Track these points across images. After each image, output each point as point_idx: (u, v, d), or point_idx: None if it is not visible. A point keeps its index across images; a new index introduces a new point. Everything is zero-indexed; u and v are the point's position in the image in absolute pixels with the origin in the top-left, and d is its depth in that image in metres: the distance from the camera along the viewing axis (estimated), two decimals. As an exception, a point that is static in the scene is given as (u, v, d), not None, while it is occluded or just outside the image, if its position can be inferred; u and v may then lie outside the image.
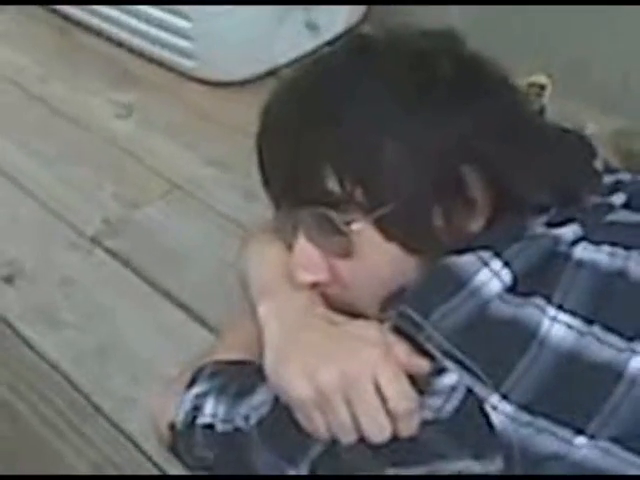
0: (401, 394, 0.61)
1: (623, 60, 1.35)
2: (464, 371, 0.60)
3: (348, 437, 0.63)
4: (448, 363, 0.60)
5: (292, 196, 0.70)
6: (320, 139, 0.67)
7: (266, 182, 0.73)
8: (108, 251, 1.16)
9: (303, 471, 0.69)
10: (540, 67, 1.29)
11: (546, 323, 0.60)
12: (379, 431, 0.61)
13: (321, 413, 0.62)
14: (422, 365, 0.61)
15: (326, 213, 0.67)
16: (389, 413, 0.61)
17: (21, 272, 1.12)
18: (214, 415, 0.74)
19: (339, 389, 0.61)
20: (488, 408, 0.59)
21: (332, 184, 0.67)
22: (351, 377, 0.61)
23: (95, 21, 1.67)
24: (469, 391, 0.60)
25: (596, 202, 0.69)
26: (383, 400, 0.61)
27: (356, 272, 0.70)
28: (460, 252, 0.63)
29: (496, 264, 0.61)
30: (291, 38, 1.52)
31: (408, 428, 0.62)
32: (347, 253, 0.69)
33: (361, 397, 0.61)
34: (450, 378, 0.61)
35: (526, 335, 0.60)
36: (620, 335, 0.60)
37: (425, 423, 0.62)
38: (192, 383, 0.79)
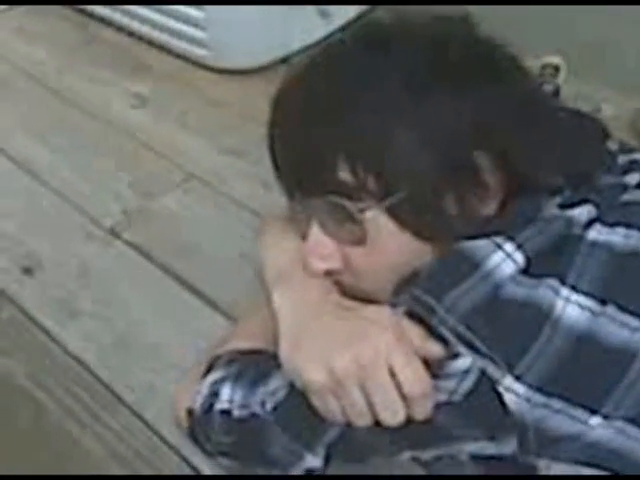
0: (415, 377, 0.61)
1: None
2: (477, 354, 0.60)
3: (363, 421, 0.63)
4: (461, 346, 0.60)
5: (305, 186, 0.71)
6: (331, 128, 0.67)
7: (278, 172, 0.73)
8: (126, 241, 1.17)
9: (319, 455, 0.70)
10: (557, 48, 1.28)
11: (560, 304, 0.59)
12: (393, 415, 0.62)
13: (336, 398, 0.63)
14: (436, 349, 0.62)
15: (339, 202, 0.67)
16: (403, 396, 0.61)
17: (40, 264, 1.14)
18: (231, 401, 0.75)
19: (353, 374, 0.62)
20: (502, 390, 0.59)
21: (344, 173, 0.67)
22: (365, 361, 0.62)
23: (108, 12, 1.67)
24: (483, 373, 0.60)
25: (610, 182, 0.68)
26: (397, 384, 0.61)
27: (369, 260, 0.70)
28: (473, 237, 0.63)
29: (509, 247, 0.61)
30: (303, 25, 1.52)
31: (422, 411, 0.62)
32: (360, 241, 0.69)
33: (375, 381, 0.61)
34: (464, 361, 0.61)
35: (540, 316, 0.59)
36: (634, 315, 0.59)
37: (439, 405, 0.62)
38: (209, 370, 0.80)
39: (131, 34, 1.65)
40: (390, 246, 0.69)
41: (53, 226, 1.21)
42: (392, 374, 0.61)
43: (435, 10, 0.74)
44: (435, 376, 0.62)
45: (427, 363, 0.62)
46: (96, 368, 0.98)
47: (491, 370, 0.60)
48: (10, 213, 1.23)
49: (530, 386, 0.59)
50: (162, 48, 1.60)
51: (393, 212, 0.67)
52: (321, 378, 0.63)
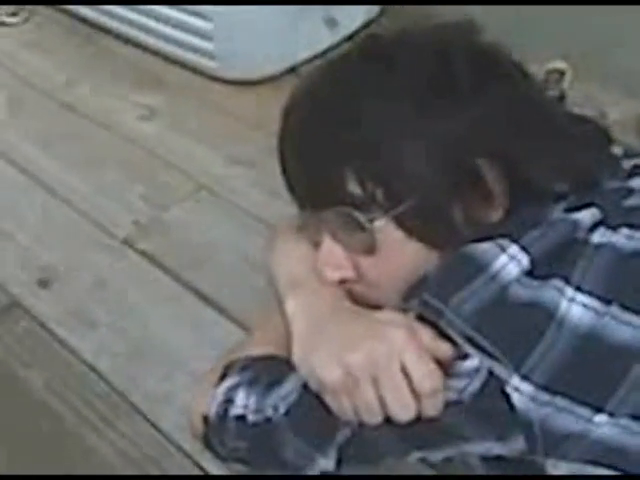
0: (426, 373, 0.62)
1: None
2: (484, 354, 0.61)
3: (374, 418, 0.64)
4: (469, 347, 0.62)
5: (315, 198, 0.72)
6: (339, 142, 0.69)
7: (289, 185, 0.75)
8: (139, 252, 1.19)
9: (331, 457, 0.71)
10: (563, 53, 1.29)
11: (564, 304, 0.60)
12: (404, 410, 0.63)
13: (349, 397, 0.64)
14: (445, 348, 0.63)
15: (349, 212, 0.69)
16: (414, 392, 0.63)
17: (55, 276, 1.15)
18: (246, 406, 0.76)
19: (366, 370, 0.63)
20: (509, 389, 0.60)
21: (353, 186, 0.68)
22: (378, 358, 0.63)
23: (117, 25, 1.69)
24: (490, 373, 0.61)
25: (614, 186, 0.69)
26: (409, 380, 0.63)
27: (380, 268, 0.72)
28: (478, 241, 0.64)
29: (514, 249, 0.62)
30: (310, 35, 1.53)
31: (433, 407, 0.63)
32: (371, 250, 0.70)
33: (387, 376, 0.63)
34: (472, 362, 0.62)
35: (545, 316, 0.60)
36: (638, 313, 0.60)
37: (449, 404, 0.63)
38: (223, 377, 0.81)
39: (141, 47, 1.67)
40: (399, 254, 0.70)
41: (67, 238, 1.23)
42: (404, 370, 0.63)
43: (440, 17, 0.75)
44: (445, 375, 0.63)
45: (439, 364, 0.63)
46: (112, 377, 1.00)
47: (498, 370, 0.61)
48: (24, 226, 1.25)
49: (536, 385, 0.60)
50: (172, 60, 1.62)
51: (401, 221, 0.68)
52: (337, 376, 0.64)
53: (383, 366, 0.63)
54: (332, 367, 0.64)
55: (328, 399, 0.66)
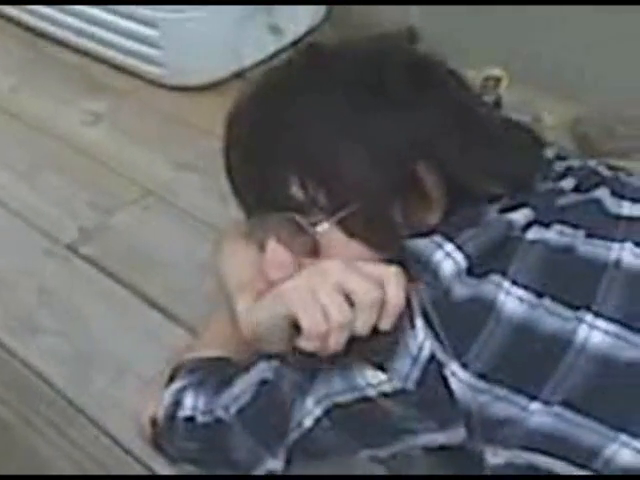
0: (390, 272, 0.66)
1: (577, 52, 1.39)
2: (431, 334, 0.64)
3: (342, 317, 0.66)
4: (420, 321, 0.64)
5: (260, 203, 0.74)
6: (281, 148, 0.71)
7: (235, 191, 0.76)
8: (84, 258, 1.18)
9: (280, 457, 0.73)
10: (501, 59, 1.33)
11: (502, 297, 0.64)
12: (370, 294, 0.65)
13: (313, 300, 0.66)
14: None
15: (293, 217, 0.71)
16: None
17: (-1, 282, 1.14)
18: (194, 408, 0.77)
19: (325, 281, 0.67)
20: (447, 373, 0.63)
21: (296, 190, 0.70)
22: (334, 271, 0.68)
23: (63, 33, 1.68)
24: (431, 358, 0.64)
25: (547, 188, 0.72)
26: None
27: None
28: (415, 237, 0.67)
29: (449, 247, 0.65)
30: (255, 41, 1.55)
31: (396, 297, 0.66)
32: (315, 253, 0.72)
33: (348, 278, 0.67)
34: (415, 342, 0.65)
35: (484, 309, 0.64)
36: (568, 306, 0.64)
37: (395, 392, 0.65)
38: (171, 379, 0.82)
39: (86, 54, 1.65)
40: (342, 256, 0.72)
41: (11, 244, 1.21)
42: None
43: (381, 25, 0.78)
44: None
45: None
46: (58, 383, 0.99)
47: (439, 354, 0.64)
48: (-32, 234, 1.23)
49: (474, 373, 0.63)
50: (117, 67, 1.61)
51: (343, 225, 0.71)
52: (297, 282, 0.68)
53: (342, 275, 0.66)
54: (291, 282, 0.69)
55: (294, 308, 0.67)
